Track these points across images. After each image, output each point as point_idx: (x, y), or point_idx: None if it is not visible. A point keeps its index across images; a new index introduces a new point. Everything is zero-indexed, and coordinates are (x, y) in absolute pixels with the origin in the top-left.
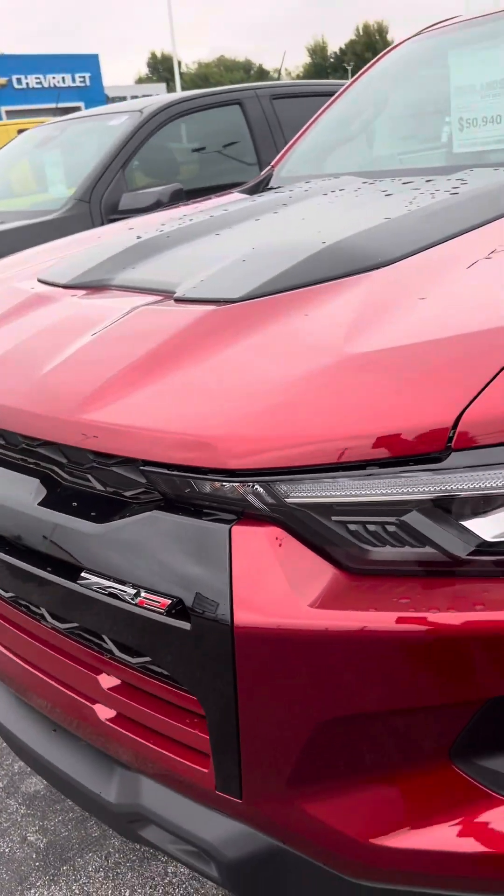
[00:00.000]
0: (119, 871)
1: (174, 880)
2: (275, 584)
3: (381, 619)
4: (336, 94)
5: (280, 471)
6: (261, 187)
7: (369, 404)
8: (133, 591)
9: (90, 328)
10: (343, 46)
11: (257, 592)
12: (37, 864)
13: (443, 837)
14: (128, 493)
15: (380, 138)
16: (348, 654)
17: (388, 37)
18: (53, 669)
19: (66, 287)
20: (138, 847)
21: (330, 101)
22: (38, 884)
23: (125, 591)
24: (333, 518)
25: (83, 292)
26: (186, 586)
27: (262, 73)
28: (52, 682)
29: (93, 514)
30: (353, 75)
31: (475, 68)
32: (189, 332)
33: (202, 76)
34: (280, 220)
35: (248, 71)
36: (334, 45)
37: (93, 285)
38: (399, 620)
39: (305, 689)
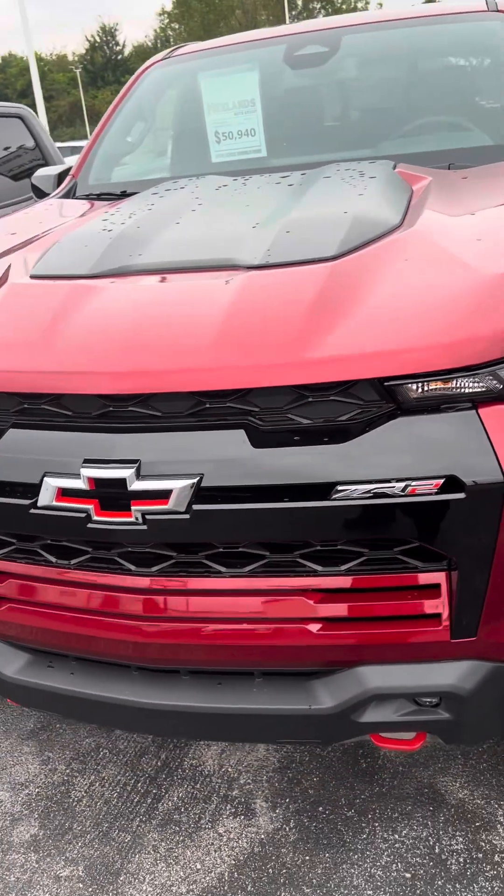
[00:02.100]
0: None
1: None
2: None
3: None
4: (110, 111)
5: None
6: (71, 194)
7: None
8: (402, 485)
9: (205, 303)
10: None
11: None
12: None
13: None
14: (343, 417)
15: (188, 146)
16: None
17: None
18: (261, 612)
19: (94, 277)
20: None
21: (106, 116)
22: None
23: (393, 487)
24: None
25: (126, 278)
26: (453, 466)
27: None
28: (252, 627)
29: (325, 439)
30: None
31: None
32: (324, 281)
33: None
34: (238, 206)
35: None
36: None
37: (121, 272)
38: None
39: None
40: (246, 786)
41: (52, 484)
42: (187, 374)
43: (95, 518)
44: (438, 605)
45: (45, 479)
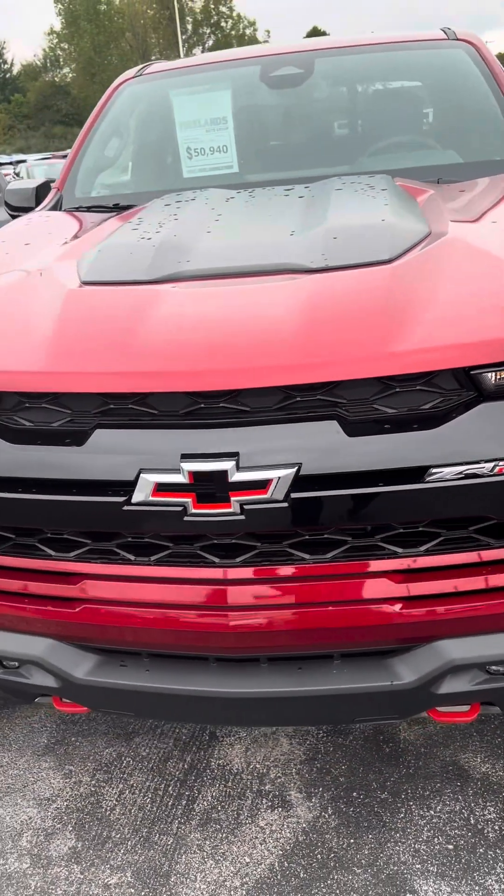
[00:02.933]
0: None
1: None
2: None
3: None
4: (87, 126)
5: None
6: (58, 207)
7: None
8: (491, 465)
9: (279, 303)
10: None
11: None
12: None
13: None
14: (428, 406)
15: (160, 161)
16: None
17: None
18: (344, 595)
19: (152, 283)
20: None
21: (84, 131)
22: None
23: (483, 468)
24: None
25: (183, 283)
26: None
27: None
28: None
29: (414, 426)
30: None
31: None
32: (390, 281)
33: None
34: (260, 216)
35: None
36: None
37: (174, 278)
38: None
39: None
40: (277, 779)
41: (149, 480)
42: (279, 370)
43: (192, 511)
44: None
45: (142, 475)
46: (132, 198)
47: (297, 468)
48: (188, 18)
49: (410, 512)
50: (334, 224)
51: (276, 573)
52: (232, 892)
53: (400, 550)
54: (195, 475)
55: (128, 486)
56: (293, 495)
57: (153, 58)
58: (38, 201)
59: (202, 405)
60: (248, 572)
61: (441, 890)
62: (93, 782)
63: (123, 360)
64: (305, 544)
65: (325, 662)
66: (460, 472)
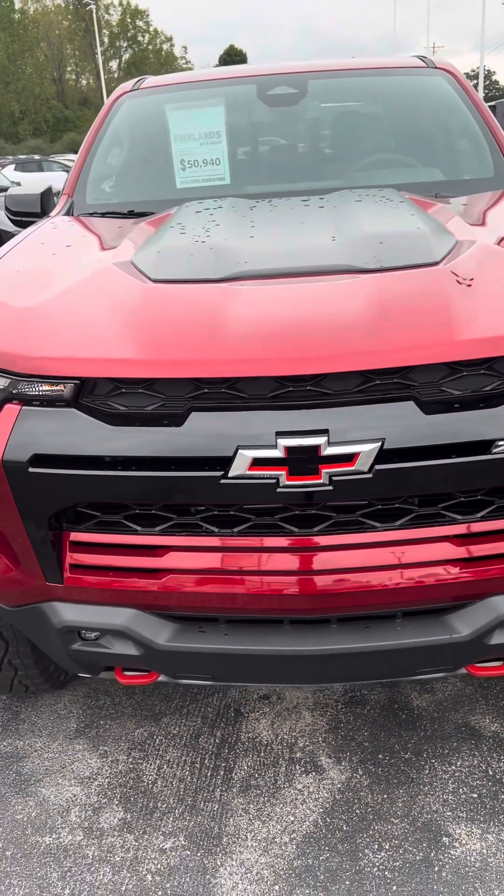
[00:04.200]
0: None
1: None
2: None
3: None
4: (91, 136)
5: None
6: (71, 213)
7: None
8: None
9: (348, 298)
10: None
11: None
12: None
13: None
14: (488, 388)
15: (156, 171)
16: None
17: None
18: (410, 558)
19: (221, 280)
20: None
21: (88, 140)
22: None
23: None
24: None
25: (249, 282)
26: None
27: None
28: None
29: (481, 405)
30: None
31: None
32: (446, 279)
33: None
34: (294, 224)
35: None
36: None
37: (240, 277)
38: None
39: None
40: (306, 748)
41: (246, 455)
42: (358, 355)
43: (285, 483)
44: None
45: (240, 451)
46: (144, 205)
47: (381, 443)
48: (105, 31)
49: (476, 480)
50: (374, 230)
51: (349, 540)
52: (283, 847)
53: (460, 517)
54: (290, 450)
55: (225, 462)
56: (377, 467)
57: (68, 69)
58: (42, 207)
59: (291, 388)
60: (324, 540)
61: (473, 832)
62: (129, 760)
63: (218, 349)
64: (378, 513)
65: (389, 621)
66: None
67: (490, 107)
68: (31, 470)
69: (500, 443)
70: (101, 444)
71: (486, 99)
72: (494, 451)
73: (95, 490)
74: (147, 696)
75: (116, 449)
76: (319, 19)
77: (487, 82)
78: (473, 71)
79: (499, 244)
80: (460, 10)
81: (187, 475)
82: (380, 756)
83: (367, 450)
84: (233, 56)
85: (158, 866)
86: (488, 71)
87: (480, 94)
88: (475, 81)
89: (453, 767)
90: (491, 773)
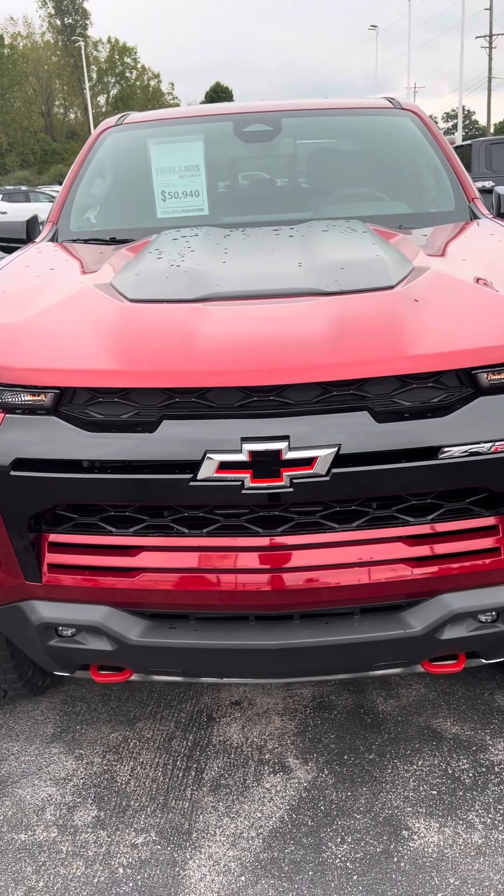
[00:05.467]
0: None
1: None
2: None
3: None
4: (76, 166)
5: None
6: (55, 239)
7: None
8: (489, 445)
9: (310, 318)
10: None
11: None
12: None
13: None
14: (436, 399)
15: (138, 201)
16: None
17: None
18: (367, 557)
19: (194, 301)
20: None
21: (73, 171)
22: None
23: (482, 447)
24: None
25: (221, 302)
26: None
27: None
28: (351, 572)
29: (428, 415)
30: None
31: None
32: (399, 301)
33: None
34: (264, 251)
35: None
36: None
37: (211, 298)
38: None
39: None
40: (274, 750)
41: (214, 459)
42: (317, 368)
43: (250, 485)
44: (499, 540)
45: (208, 455)
46: (125, 233)
47: (337, 448)
48: (93, 67)
49: (425, 484)
50: (337, 258)
51: (310, 540)
52: (250, 842)
53: (412, 519)
54: (254, 454)
55: (194, 466)
56: (333, 471)
57: (56, 103)
58: (27, 234)
59: (255, 398)
60: (287, 540)
61: (431, 826)
62: (104, 762)
63: (189, 361)
64: (336, 515)
65: (347, 617)
66: (465, 451)
67: (465, 145)
68: (12, 473)
69: (447, 449)
70: (79, 449)
71: (465, 137)
72: (441, 457)
73: (73, 493)
74: (122, 702)
75: (93, 454)
76: (304, 58)
77: (467, 122)
78: (453, 111)
79: (452, 271)
80: (441, 52)
81: (159, 478)
82: (345, 757)
83: (325, 454)
84: (219, 93)
85: (130, 860)
86: (468, 111)
87: (460, 132)
88: (455, 121)
89: (415, 767)
90: (450, 771)
